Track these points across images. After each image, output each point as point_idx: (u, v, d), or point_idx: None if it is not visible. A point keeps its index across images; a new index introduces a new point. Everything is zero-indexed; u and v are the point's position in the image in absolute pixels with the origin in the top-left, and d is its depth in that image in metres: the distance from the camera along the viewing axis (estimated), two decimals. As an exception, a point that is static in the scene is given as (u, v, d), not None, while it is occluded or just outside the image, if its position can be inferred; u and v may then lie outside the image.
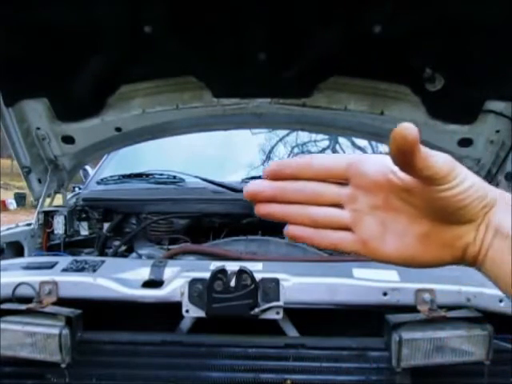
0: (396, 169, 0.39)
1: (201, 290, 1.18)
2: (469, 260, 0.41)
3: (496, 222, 0.39)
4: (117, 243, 1.91)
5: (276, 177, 0.42)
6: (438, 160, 0.37)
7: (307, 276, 1.24)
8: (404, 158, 0.36)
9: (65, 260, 1.40)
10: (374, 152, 2.73)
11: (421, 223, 0.41)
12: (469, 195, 0.38)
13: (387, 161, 0.40)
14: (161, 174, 2.22)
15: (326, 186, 0.42)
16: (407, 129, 0.35)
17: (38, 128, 1.86)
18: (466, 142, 1.84)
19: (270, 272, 1.23)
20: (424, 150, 0.36)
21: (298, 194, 0.42)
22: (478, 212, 0.39)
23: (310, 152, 2.69)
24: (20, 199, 17.46)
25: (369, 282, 1.21)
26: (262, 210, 0.43)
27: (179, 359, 1.20)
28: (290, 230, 0.43)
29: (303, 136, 2.67)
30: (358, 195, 0.42)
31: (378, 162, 0.41)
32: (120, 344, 1.21)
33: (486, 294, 1.18)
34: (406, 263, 0.42)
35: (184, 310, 1.19)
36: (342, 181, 0.42)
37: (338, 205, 0.43)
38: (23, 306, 1.18)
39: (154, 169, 2.25)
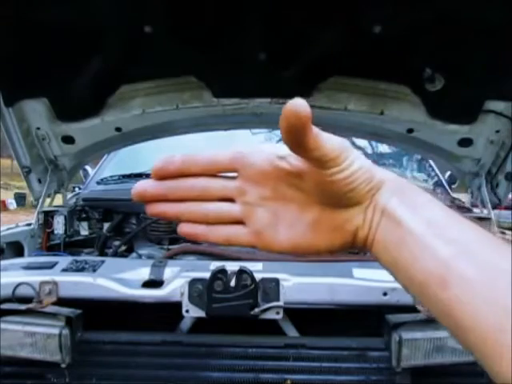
0: (284, 154, 0.39)
1: (201, 290, 1.18)
2: (360, 243, 0.40)
3: (382, 202, 0.38)
4: (117, 243, 1.91)
5: (162, 175, 0.41)
6: (328, 141, 0.36)
7: (307, 276, 1.24)
8: (296, 136, 0.35)
9: (65, 260, 1.40)
10: (374, 152, 2.73)
11: (311, 210, 0.40)
12: (356, 177, 0.37)
13: (273, 149, 0.40)
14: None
15: (213, 181, 0.42)
16: (299, 106, 0.34)
17: (38, 128, 1.86)
18: (465, 142, 1.84)
19: (269, 272, 1.23)
20: (315, 130, 0.35)
21: (186, 191, 0.42)
22: (365, 194, 0.38)
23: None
24: (20, 199, 17.47)
25: (369, 282, 1.21)
26: (152, 209, 0.42)
27: (179, 359, 1.20)
28: (182, 228, 0.42)
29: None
30: (246, 187, 0.41)
31: (263, 152, 0.41)
32: (120, 344, 1.21)
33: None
34: (299, 252, 0.42)
35: (184, 310, 1.19)
36: (231, 174, 0.42)
37: (229, 199, 0.42)
38: (23, 306, 1.18)
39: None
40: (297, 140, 0.35)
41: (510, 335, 0.30)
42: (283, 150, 0.39)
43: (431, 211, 0.37)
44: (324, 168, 0.37)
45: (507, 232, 1.93)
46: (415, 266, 0.36)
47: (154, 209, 0.42)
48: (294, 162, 0.39)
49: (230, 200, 0.42)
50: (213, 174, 0.42)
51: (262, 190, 0.41)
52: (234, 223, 0.42)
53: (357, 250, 0.40)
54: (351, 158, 0.37)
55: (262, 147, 0.42)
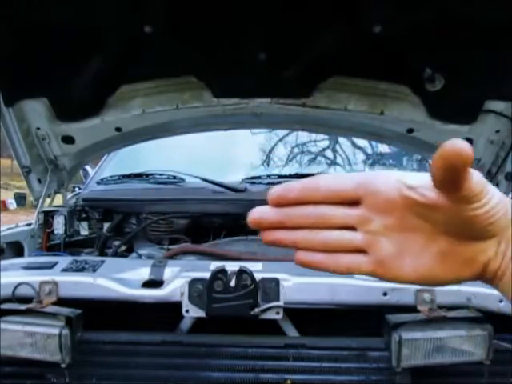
0: (414, 184, 0.37)
1: (201, 290, 1.18)
2: (489, 276, 0.40)
3: None
4: (117, 243, 1.91)
5: (281, 202, 0.40)
6: (472, 178, 0.35)
7: (307, 276, 1.23)
8: (452, 177, 0.34)
9: (65, 260, 1.40)
10: (373, 152, 2.73)
11: (438, 240, 0.39)
12: (497, 211, 0.37)
13: (400, 176, 0.39)
14: (161, 174, 2.22)
15: (334, 209, 0.40)
16: (461, 145, 0.32)
17: (38, 128, 1.86)
18: (465, 142, 1.84)
19: (269, 272, 1.23)
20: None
21: (306, 218, 0.40)
22: (503, 227, 0.38)
23: (310, 152, 2.69)
24: (20, 199, 17.47)
25: (369, 282, 1.21)
26: (268, 237, 0.41)
27: (179, 359, 1.20)
28: (300, 256, 0.41)
29: (303, 136, 2.67)
30: (370, 216, 0.40)
31: (389, 179, 0.39)
32: (120, 344, 1.21)
33: (486, 293, 1.18)
34: (425, 283, 0.41)
35: (184, 310, 1.19)
36: (351, 201, 0.41)
37: (349, 227, 0.41)
38: (23, 306, 1.17)
39: (154, 169, 2.25)
40: (452, 180, 0.34)
41: None
42: (411, 178, 0.38)
43: None
44: (466, 203, 0.36)
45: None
46: None
47: (271, 236, 0.41)
48: (428, 193, 0.37)
49: (351, 228, 0.41)
50: (332, 202, 0.40)
51: (387, 219, 0.40)
52: (354, 252, 0.41)
53: (484, 282, 0.40)
54: (491, 192, 0.37)
55: (387, 174, 0.40)
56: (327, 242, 0.41)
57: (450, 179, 0.34)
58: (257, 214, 0.41)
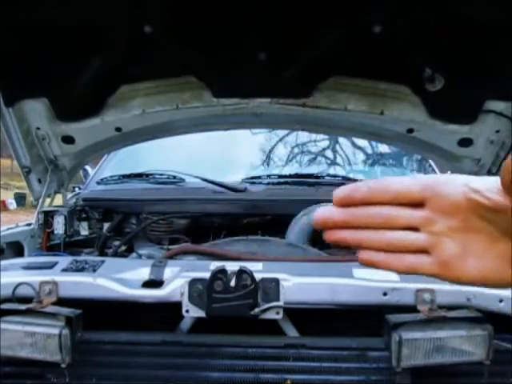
0: (479, 187, 0.39)
1: (201, 290, 1.18)
2: None
3: None
4: (117, 243, 1.91)
5: (347, 202, 0.42)
6: None
7: (307, 276, 1.24)
8: None
9: (65, 260, 1.40)
10: (373, 152, 2.73)
11: (502, 242, 0.40)
12: None
13: (466, 180, 0.40)
14: (161, 174, 2.22)
15: (399, 210, 0.42)
16: None
17: (38, 128, 1.86)
18: (466, 142, 1.84)
19: (269, 272, 1.23)
20: None
21: (371, 218, 0.42)
22: None
23: (310, 152, 2.70)
24: (20, 199, 17.47)
25: (369, 282, 1.21)
26: (332, 236, 0.42)
27: (179, 359, 1.20)
28: (363, 255, 0.43)
29: (303, 136, 2.67)
30: (435, 218, 0.41)
31: (455, 183, 0.41)
32: (120, 344, 1.21)
33: (486, 293, 1.18)
34: (489, 284, 0.42)
35: (184, 310, 1.19)
36: (415, 203, 0.42)
37: (413, 228, 0.42)
38: (23, 306, 1.17)
39: (154, 169, 2.25)
40: None
41: None
42: (477, 181, 0.39)
43: None
44: None
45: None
46: None
47: (335, 235, 0.42)
48: (492, 196, 0.38)
49: (414, 229, 0.42)
50: (397, 204, 0.42)
51: (452, 220, 0.41)
52: (417, 252, 0.42)
53: None
54: None
55: (454, 177, 0.42)
56: (391, 242, 0.42)
57: None
58: (323, 214, 0.42)
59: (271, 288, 1.18)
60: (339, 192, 0.42)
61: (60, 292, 1.22)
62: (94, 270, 1.30)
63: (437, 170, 2.65)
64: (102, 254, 1.89)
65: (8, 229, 1.85)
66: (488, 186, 0.38)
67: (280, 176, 2.24)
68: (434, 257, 0.42)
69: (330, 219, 0.42)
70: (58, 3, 1.40)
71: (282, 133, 2.69)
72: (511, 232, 0.40)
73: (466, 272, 0.41)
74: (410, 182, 0.42)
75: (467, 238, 0.41)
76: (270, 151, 2.66)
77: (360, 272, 1.26)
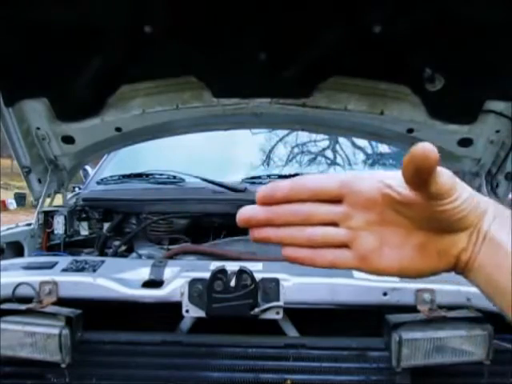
0: (392, 183, 0.40)
1: (201, 290, 1.18)
2: (461, 267, 0.42)
3: (485, 227, 0.40)
4: (117, 243, 1.91)
5: (268, 201, 0.42)
6: (443, 176, 0.38)
7: (307, 276, 1.23)
8: (421, 176, 0.37)
9: (65, 260, 1.40)
10: (373, 152, 2.73)
11: (417, 234, 0.42)
12: (466, 206, 0.39)
13: (380, 176, 0.41)
14: (161, 174, 2.22)
15: (319, 206, 0.43)
16: (429, 149, 0.35)
17: (38, 128, 1.86)
18: (466, 142, 1.84)
19: (269, 272, 1.23)
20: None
21: (292, 216, 0.43)
22: (473, 220, 0.40)
23: (310, 152, 2.69)
24: (20, 199, 17.47)
25: (369, 282, 1.21)
26: (256, 234, 0.43)
27: (179, 359, 1.20)
28: (287, 251, 0.43)
29: (303, 136, 2.67)
30: (352, 213, 0.42)
31: (371, 179, 0.42)
32: (120, 344, 1.21)
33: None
34: (406, 274, 0.43)
35: (184, 309, 1.19)
36: (334, 199, 0.43)
37: (333, 223, 0.43)
38: (23, 306, 1.17)
39: (154, 169, 2.25)
40: (421, 180, 0.37)
41: None
42: (390, 177, 0.40)
43: None
44: (437, 200, 0.38)
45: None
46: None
47: (259, 233, 0.43)
48: (403, 191, 0.40)
49: (334, 224, 0.43)
50: (316, 200, 0.43)
51: (369, 215, 0.42)
52: (338, 247, 0.43)
53: (458, 274, 0.43)
54: (460, 188, 0.39)
55: (371, 173, 0.43)
56: (312, 238, 0.43)
57: (419, 179, 0.37)
58: (246, 213, 0.43)
59: (271, 288, 1.18)
60: (261, 191, 0.43)
61: (60, 292, 1.22)
62: (94, 270, 1.30)
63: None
64: (102, 253, 1.89)
65: (8, 229, 1.85)
66: (399, 182, 0.39)
67: (280, 176, 2.24)
68: (354, 251, 0.43)
69: (253, 218, 0.43)
70: (58, 3, 1.40)
71: (282, 133, 2.69)
72: (422, 225, 0.41)
73: (384, 264, 0.42)
74: (328, 179, 0.43)
75: (384, 232, 0.42)
76: (270, 151, 2.66)
77: (360, 272, 1.26)
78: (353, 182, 0.42)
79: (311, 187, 0.42)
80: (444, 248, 0.42)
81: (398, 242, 0.42)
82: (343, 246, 0.43)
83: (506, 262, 0.39)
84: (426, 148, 0.35)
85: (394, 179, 0.40)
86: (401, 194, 0.40)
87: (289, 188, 0.42)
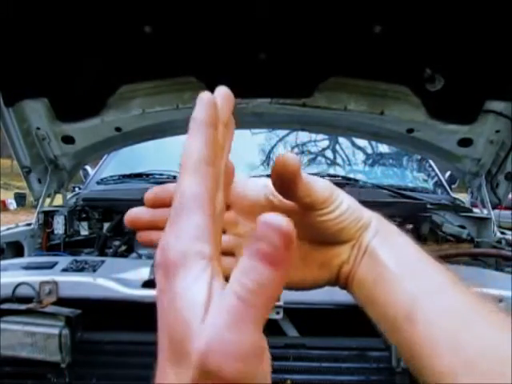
0: (274, 190, 0.38)
1: (201, 290, 1.17)
2: (342, 279, 0.41)
3: (366, 240, 0.39)
4: (117, 243, 1.91)
5: (155, 203, 0.40)
6: (317, 186, 0.37)
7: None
8: (284, 185, 0.36)
9: (65, 260, 1.40)
10: (373, 152, 2.73)
11: (301, 245, 0.40)
12: (347, 217, 0.38)
13: (266, 181, 0.40)
14: (161, 174, 2.22)
15: None
16: (289, 159, 0.34)
17: (38, 128, 1.86)
18: (466, 142, 1.84)
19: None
20: (305, 177, 0.36)
21: None
22: (354, 233, 0.39)
23: (309, 152, 2.70)
24: (20, 199, 17.45)
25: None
26: (142, 238, 0.41)
27: (179, 359, 1.19)
28: None
29: (303, 136, 2.67)
30: (239, 219, 0.41)
31: (258, 185, 0.41)
32: (120, 344, 1.21)
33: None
34: (290, 285, 0.41)
35: (184, 309, 1.19)
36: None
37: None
38: (23, 306, 1.17)
39: (154, 169, 2.25)
40: (286, 188, 0.36)
41: None
42: None
43: (408, 252, 0.38)
44: (314, 210, 0.37)
45: (507, 232, 1.93)
46: (388, 300, 0.37)
47: (144, 237, 0.41)
48: (283, 199, 0.38)
49: (223, 231, 0.41)
50: None
51: (254, 222, 0.40)
52: (224, 254, 0.41)
53: (341, 288, 0.42)
54: (340, 198, 0.38)
55: (256, 180, 0.42)
56: None
57: (284, 189, 0.36)
58: (132, 215, 0.41)
59: (271, 288, 1.17)
60: (149, 192, 0.41)
61: (60, 292, 1.22)
62: (94, 270, 1.30)
63: (437, 170, 2.65)
64: (102, 254, 1.88)
65: (8, 229, 1.84)
66: None
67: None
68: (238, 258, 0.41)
69: (139, 220, 0.41)
70: (58, 3, 1.40)
71: (282, 133, 2.69)
72: (304, 235, 0.39)
73: None
74: None
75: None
76: (270, 151, 2.66)
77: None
78: (240, 187, 0.41)
79: None
80: (326, 260, 0.40)
81: None
82: (229, 253, 0.41)
83: (384, 277, 0.37)
84: (286, 158, 0.34)
85: None
86: (281, 201, 0.39)
87: (174, 189, 0.40)
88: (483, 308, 0.35)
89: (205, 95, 0.29)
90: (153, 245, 0.40)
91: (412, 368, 0.35)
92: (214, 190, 0.28)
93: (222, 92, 0.33)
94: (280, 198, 0.39)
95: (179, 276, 0.25)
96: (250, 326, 0.23)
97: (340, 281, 0.42)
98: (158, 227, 0.40)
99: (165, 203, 0.40)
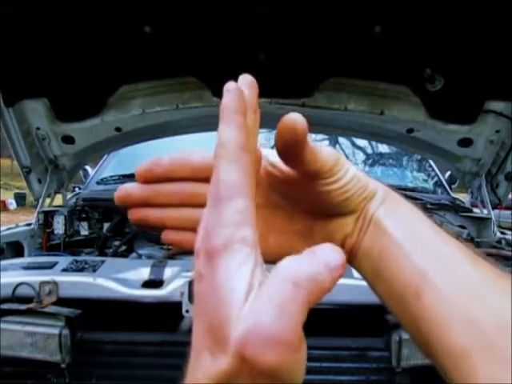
0: (275, 160, 0.37)
1: (201, 290, 1.17)
2: (346, 253, 0.39)
3: (371, 211, 0.37)
4: (117, 243, 1.91)
5: (148, 177, 0.38)
6: (323, 152, 0.35)
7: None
8: (292, 151, 0.33)
9: (65, 260, 1.40)
10: (373, 152, 2.73)
11: (301, 218, 0.39)
12: (351, 187, 0.36)
13: (265, 153, 0.38)
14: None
15: (202, 186, 0.38)
16: (296, 120, 0.32)
17: (38, 128, 1.86)
18: (466, 142, 1.84)
19: (270, 271, 1.23)
20: (310, 143, 0.34)
21: (172, 195, 0.38)
22: (359, 203, 0.37)
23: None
24: (20, 199, 17.44)
25: (369, 282, 1.21)
26: (133, 215, 0.39)
27: (179, 359, 1.19)
28: (167, 234, 0.40)
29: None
30: None
31: None
32: (120, 344, 1.21)
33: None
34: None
35: (184, 309, 1.19)
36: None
37: None
38: (23, 306, 1.18)
39: (154, 169, 2.24)
40: (293, 154, 0.34)
41: (472, 360, 0.29)
42: (274, 154, 0.36)
43: (416, 223, 0.37)
44: (319, 179, 0.36)
45: (507, 232, 1.93)
46: (394, 274, 0.35)
47: (136, 214, 0.39)
48: (284, 168, 0.37)
49: None
50: (202, 178, 0.38)
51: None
52: None
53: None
54: (345, 167, 0.36)
55: None
56: (195, 220, 0.37)
57: (290, 155, 0.34)
58: (123, 191, 0.38)
59: (271, 288, 1.18)
60: (141, 167, 0.38)
61: (60, 292, 1.22)
62: (94, 270, 1.30)
63: (437, 170, 2.65)
64: (102, 254, 1.89)
65: (8, 229, 1.85)
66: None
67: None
68: None
69: (131, 196, 0.38)
70: (59, 3, 1.40)
71: (281, 133, 2.69)
72: (307, 207, 0.38)
73: (267, 248, 0.38)
74: (210, 157, 0.38)
75: (269, 214, 0.39)
76: (270, 151, 2.66)
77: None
78: None
79: (195, 164, 0.38)
80: (329, 233, 0.38)
81: (282, 226, 0.39)
82: None
83: (390, 248, 0.35)
84: (293, 119, 0.32)
85: (276, 156, 0.36)
86: (283, 171, 0.37)
87: (169, 163, 0.38)
88: (500, 283, 0.32)
89: (231, 85, 0.29)
90: (148, 223, 0.39)
91: (418, 344, 0.34)
92: (252, 176, 0.27)
93: (247, 80, 0.33)
94: (281, 168, 0.37)
95: (222, 263, 0.24)
96: (293, 315, 0.22)
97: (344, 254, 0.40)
98: (151, 204, 0.38)
99: (158, 178, 0.38)
